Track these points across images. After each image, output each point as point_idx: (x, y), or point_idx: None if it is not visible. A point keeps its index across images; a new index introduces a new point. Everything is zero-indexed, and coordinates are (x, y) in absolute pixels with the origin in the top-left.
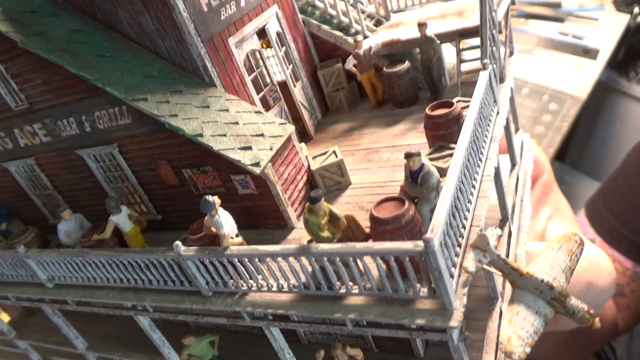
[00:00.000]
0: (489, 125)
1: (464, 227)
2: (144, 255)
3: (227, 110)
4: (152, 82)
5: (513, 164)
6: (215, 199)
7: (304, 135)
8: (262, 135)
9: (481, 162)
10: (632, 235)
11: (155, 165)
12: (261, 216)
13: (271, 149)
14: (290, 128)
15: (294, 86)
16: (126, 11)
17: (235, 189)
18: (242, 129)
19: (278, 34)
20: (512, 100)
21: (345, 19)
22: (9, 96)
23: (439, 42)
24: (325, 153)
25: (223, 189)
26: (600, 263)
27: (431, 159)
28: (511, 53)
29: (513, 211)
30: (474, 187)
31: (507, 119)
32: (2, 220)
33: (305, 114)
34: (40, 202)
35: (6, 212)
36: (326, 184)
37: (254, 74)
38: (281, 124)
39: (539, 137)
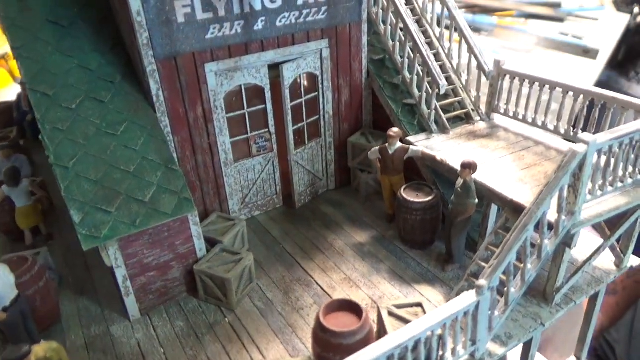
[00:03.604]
0: None
1: None
2: None
3: (134, 150)
4: (79, 76)
5: None
6: None
7: (288, 199)
8: (143, 202)
9: None
10: None
11: None
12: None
13: (135, 225)
14: (188, 209)
15: (302, 144)
16: None
17: None
18: (128, 182)
19: (310, 77)
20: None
21: (416, 94)
22: None
23: (476, 201)
24: (235, 254)
25: None
26: None
27: None
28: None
29: None
30: None
31: None
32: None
33: (299, 181)
34: None
35: None
36: (206, 291)
37: (239, 112)
38: (184, 198)
39: None
